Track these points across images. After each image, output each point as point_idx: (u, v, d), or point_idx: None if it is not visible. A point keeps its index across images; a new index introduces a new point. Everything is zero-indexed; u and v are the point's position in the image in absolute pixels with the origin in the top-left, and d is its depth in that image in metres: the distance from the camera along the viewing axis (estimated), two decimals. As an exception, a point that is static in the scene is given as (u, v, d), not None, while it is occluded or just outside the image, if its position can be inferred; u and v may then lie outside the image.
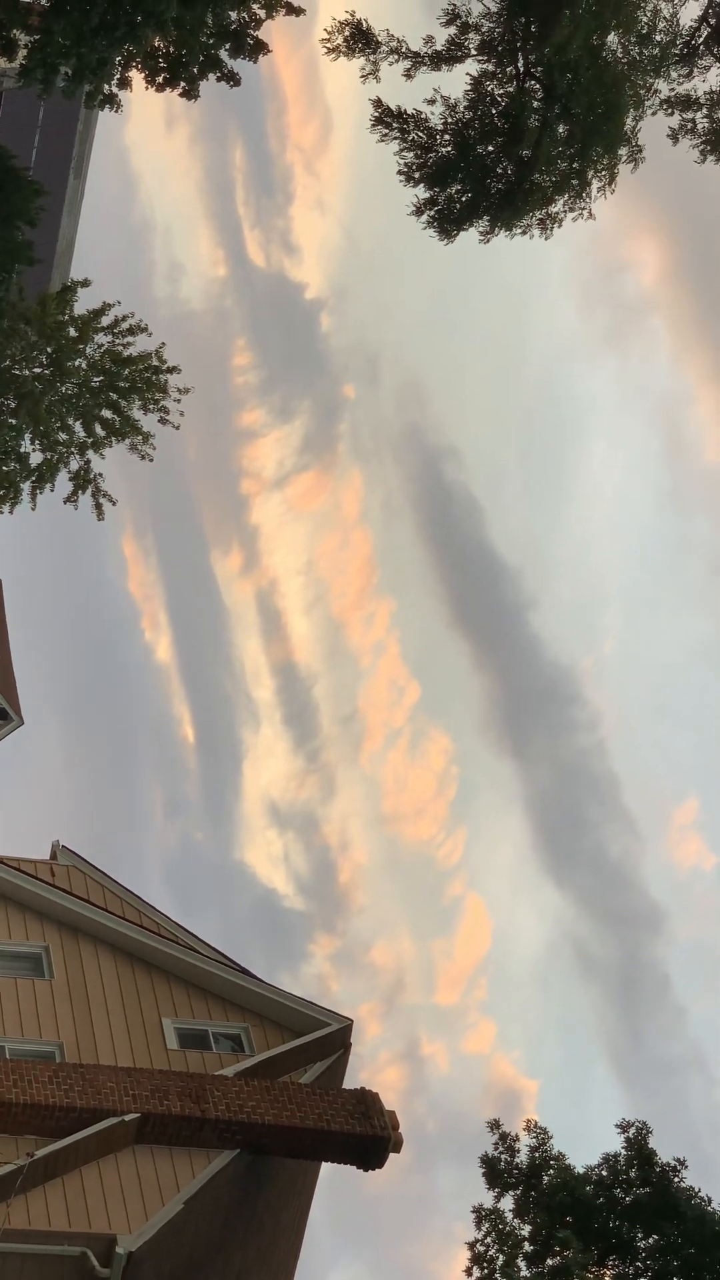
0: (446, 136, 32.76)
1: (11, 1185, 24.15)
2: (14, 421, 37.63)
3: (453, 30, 32.34)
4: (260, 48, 32.54)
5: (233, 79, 33.13)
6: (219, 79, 33.10)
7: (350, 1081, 29.31)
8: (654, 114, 32.82)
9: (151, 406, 38.78)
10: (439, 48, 32.51)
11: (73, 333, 37.89)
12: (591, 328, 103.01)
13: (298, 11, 32.23)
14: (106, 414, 38.42)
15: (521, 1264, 28.47)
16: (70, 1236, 24.41)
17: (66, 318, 37.91)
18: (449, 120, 32.81)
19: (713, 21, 31.73)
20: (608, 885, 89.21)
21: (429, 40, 32.56)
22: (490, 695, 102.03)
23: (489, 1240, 28.81)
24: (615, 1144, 29.94)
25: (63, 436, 38.28)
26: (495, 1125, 29.97)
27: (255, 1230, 28.92)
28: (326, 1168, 29.95)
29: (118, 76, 32.70)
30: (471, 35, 32.17)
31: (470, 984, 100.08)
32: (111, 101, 33.32)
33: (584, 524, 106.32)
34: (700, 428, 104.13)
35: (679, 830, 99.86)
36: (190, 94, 33.28)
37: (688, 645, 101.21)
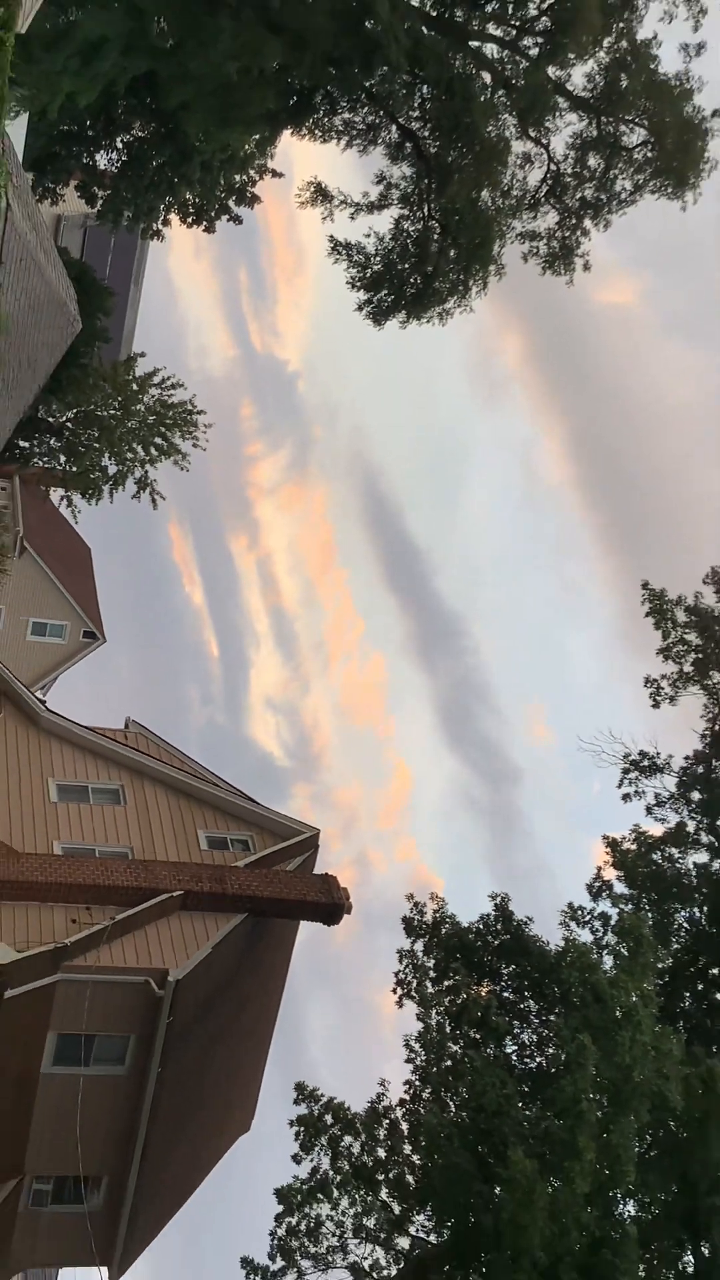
0: (377, 258, 35.80)
1: (101, 938, 26.82)
2: (97, 446, 40.15)
3: (381, 187, 35.82)
4: (255, 199, 37.67)
5: (237, 219, 37.84)
6: (228, 219, 37.86)
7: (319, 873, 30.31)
8: (512, 243, 35.64)
9: (187, 436, 41.66)
10: (373, 199, 35.60)
11: (135, 387, 40.95)
12: (476, 392, 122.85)
13: (279, 175, 37.43)
14: (158, 440, 41.18)
15: (428, 984, 31.50)
16: (138, 970, 26.95)
17: (130, 377, 41.01)
18: (379, 247, 36.04)
19: (549, 182, 35.05)
20: (487, 754, 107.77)
21: (365, 194, 35.81)
22: (410, 631, 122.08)
23: (407, 970, 31.67)
24: (488, 909, 32.65)
25: (129, 455, 40.96)
26: (410, 897, 33.04)
27: (257, 967, 31.10)
28: (304, 931, 32.27)
29: (161, 218, 37.53)
30: (393, 190, 35.58)
31: (400, 817, 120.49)
32: (158, 234, 37.94)
33: (470, 520, 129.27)
34: (547, 460, 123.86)
35: (532, 719, 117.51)
36: (209, 229, 37.70)
37: (539, 599, 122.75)
